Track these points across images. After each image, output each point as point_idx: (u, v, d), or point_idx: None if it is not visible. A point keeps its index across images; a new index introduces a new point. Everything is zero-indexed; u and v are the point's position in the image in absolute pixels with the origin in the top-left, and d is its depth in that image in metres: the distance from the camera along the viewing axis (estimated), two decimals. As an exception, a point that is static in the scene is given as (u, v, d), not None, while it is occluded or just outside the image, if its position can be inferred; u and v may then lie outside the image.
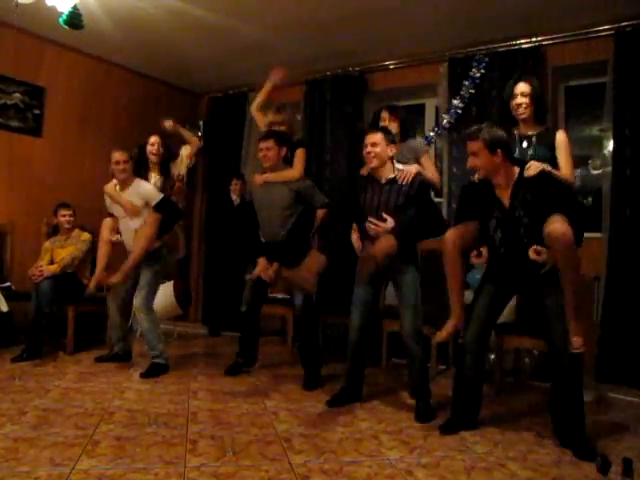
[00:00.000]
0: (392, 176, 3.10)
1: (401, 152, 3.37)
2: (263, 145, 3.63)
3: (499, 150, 2.58)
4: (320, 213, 3.67)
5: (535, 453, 2.53)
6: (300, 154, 3.80)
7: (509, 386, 3.75)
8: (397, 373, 4.06)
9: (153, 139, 4.18)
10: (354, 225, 3.18)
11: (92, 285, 3.96)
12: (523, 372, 3.90)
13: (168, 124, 4.55)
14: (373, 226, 3.01)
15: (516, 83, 3.07)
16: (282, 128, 3.87)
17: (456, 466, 2.34)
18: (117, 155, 3.79)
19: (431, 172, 3.48)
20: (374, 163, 3.12)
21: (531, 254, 2.54)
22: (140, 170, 4.04)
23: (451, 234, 2.76)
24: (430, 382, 3.16)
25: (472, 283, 4.09)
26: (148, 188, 3.86)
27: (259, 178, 3.73)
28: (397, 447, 2.54)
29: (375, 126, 3.46)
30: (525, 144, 3.04)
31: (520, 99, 3.00)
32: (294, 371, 3.89)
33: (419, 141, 3.86)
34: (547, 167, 2.68)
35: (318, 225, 3.66)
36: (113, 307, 3.96)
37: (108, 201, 3.96)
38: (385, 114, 3.59)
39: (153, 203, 3.78)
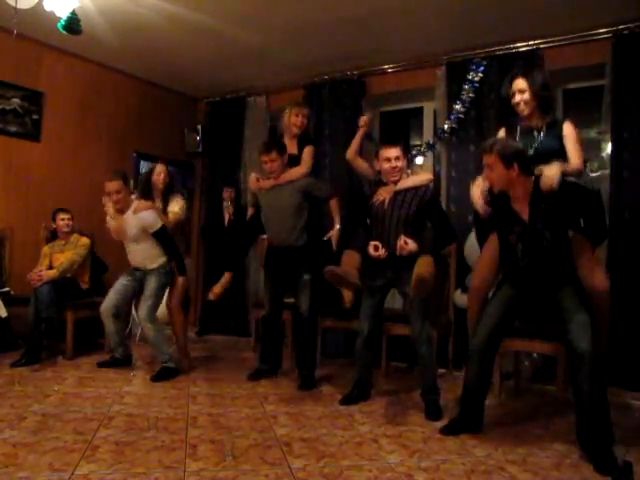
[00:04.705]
0: (404, 187, 3.16)
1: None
2: (266, 157, 3.64)
3: (515, 164, 2.57)
4: (333, 204, 3.66)
5: (535, 456, 2.52)
6: (309, 151, 3.86)
7: (509, 390, 3.74)
8: (397, 376, 4.06)
9: (159, 168, 4.12)
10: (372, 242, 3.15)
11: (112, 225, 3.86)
12: (523, 375, 3.89)
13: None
14: (401, 244, 3.01)
15: (513, 80, 3.02)
16: (300, 121, 3.97)
17: (456, 470, 2.34)
18: (109, 186, 3.69)
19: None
20: (398, 177, 3.20)
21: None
22: (147, 197, 3.98)
23: (476, 287, 2.88)
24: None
25: (469, 286, 4.09)
26: (147, 215, 3.74)
27: (267, 183, 3.72)
28: (397, 451, 2.54)
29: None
30: (532, 136, 2.98)
31: (518, 97, 2.95)
32: (293, 375, 3.88)
33: None
34: (557, 174, 2.62)
35: (339, 228, 3.59)
36: (108, 319, 3.87)
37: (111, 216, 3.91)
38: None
39: (151, 231, 3.76)
